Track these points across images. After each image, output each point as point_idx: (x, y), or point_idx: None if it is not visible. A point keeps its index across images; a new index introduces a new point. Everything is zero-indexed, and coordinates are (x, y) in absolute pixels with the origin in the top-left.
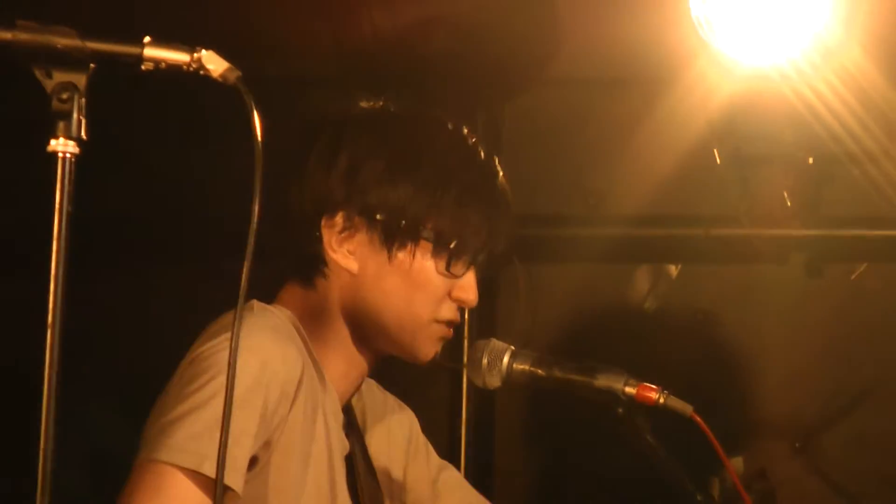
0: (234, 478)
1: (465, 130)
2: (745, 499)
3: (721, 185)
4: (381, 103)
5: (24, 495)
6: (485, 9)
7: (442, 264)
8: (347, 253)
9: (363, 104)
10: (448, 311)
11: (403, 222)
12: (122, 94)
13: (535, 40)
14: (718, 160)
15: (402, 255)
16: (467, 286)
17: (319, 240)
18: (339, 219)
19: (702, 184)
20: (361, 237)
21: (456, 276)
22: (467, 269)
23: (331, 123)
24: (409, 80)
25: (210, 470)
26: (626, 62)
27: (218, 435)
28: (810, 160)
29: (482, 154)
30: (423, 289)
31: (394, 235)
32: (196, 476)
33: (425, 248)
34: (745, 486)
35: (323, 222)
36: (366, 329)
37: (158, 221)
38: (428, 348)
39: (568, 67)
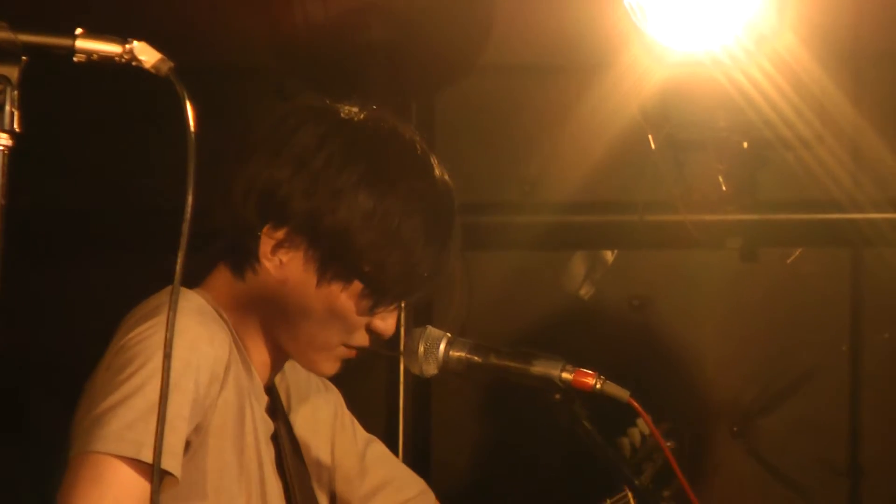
0: (173, 462)
1: (433, 159)
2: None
3: (656, 171)
4: (362, 115)
5: None
6: None
7: (367, 305)
8: (280, 263)
9: (344, 113)
10: (360, 339)
11: (342, 258)
12: (60, 86)
13: (468, 28)
14: (653, 146)
15: (330, 288)
16: (388, 321)
17: (257, 240)
18: (281, 233)
19: (636, 170)
20: (297, 255)
21: (378, 315)
22: (392, 311)
23: (311, 125)
24: (343, 68)
25: (148, 456)
26: (560, 49)
27: (152, 421)
28: (745, 145)
29: (446, 185)
30: (341, 320)
31: (328, 269)
32: (135, 464)
33: (355, 288)
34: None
35: (266, 229)
36: (278, 332)
37: (93, 213)
38: (329, 367)
39: (501, 54)
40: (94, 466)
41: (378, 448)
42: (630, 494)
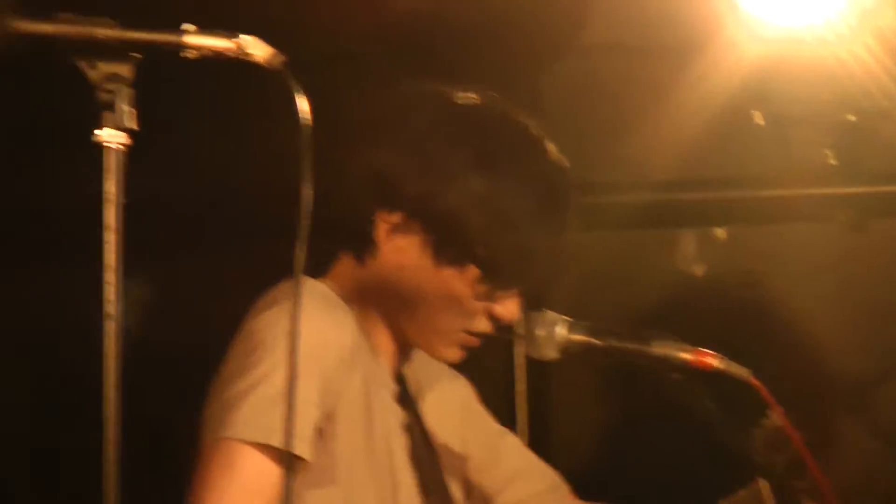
0: (304, 447)
1: (547, 141)
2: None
3: (762, 147)
4: (476, 99)
5: None
6: None
7: (484, 290)
8: (397, 247)
9: (455, 98)
10: (481, 325)
11: (456, 242)
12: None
13: (569, 8)
14: (759, 122)
15: (446, 272)
16: (509, 307)
17: (373, 226)
18: (396, 218)
19: (742, 146)
20: (413, 239)
21: (498, 300)
22: (513, 296)
23: (422, 110)
24: (447, 52)
25: (279, 441)
26: (661, 27)
27: (281, 407)
28: (852, 117)
29: (560, 167)
30: (459, 305)
31: (443, 253)
32: (266, 449)
33: (471, 272)
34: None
35: (381, 214)
36: (400, 318)
37: (206, 206)
38: (451, 353)
39: (602, 34)
40: (225, 453)
41: (510, 439)
42: (763, 485)
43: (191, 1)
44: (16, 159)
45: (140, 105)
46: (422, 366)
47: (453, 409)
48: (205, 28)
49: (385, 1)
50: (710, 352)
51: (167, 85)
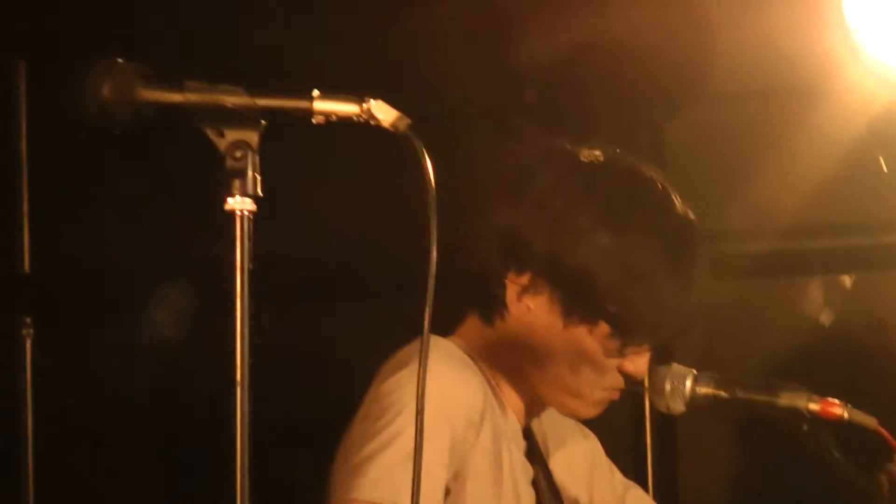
0: None
1: (674, 195)
2: None
3: (888, 192)
4: (601, 155)
5: None
6: (639, 30)
7: (615, 346)
8: (526, 308)
9: (581, 154)
10: (614, 381)
11: (586, 299)
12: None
13: (692, 56)
14: (885, 168)
15: (576, 330)
16: (638, 363)
17: (504, 287)
18: (525, 278)
19: (869, 191)
20: (542, 298)
21: (628, 356)
22: (642, 351)
23: (548, 167)
24: (570, 104)
25: (407, 503)
26: (783, 72)
27: (410, 468)
28: None
29: (687, 220)
30: (590, 363)
31: (573, 311)
32: None
33: (602, 329)
34: None
35: (510, 274)
36: (531, 377)
37: (337, 263)
38: (586, 411)
39: (725, 81)
40: None
41: (637, 493)
42: None
43: (313, 62)
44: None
45: (272, 167)
46: (550, 421)
47: (581, 464)
48: (329, 91)
49: (505, 53)
50: (837, 401)
51: (294, 147)
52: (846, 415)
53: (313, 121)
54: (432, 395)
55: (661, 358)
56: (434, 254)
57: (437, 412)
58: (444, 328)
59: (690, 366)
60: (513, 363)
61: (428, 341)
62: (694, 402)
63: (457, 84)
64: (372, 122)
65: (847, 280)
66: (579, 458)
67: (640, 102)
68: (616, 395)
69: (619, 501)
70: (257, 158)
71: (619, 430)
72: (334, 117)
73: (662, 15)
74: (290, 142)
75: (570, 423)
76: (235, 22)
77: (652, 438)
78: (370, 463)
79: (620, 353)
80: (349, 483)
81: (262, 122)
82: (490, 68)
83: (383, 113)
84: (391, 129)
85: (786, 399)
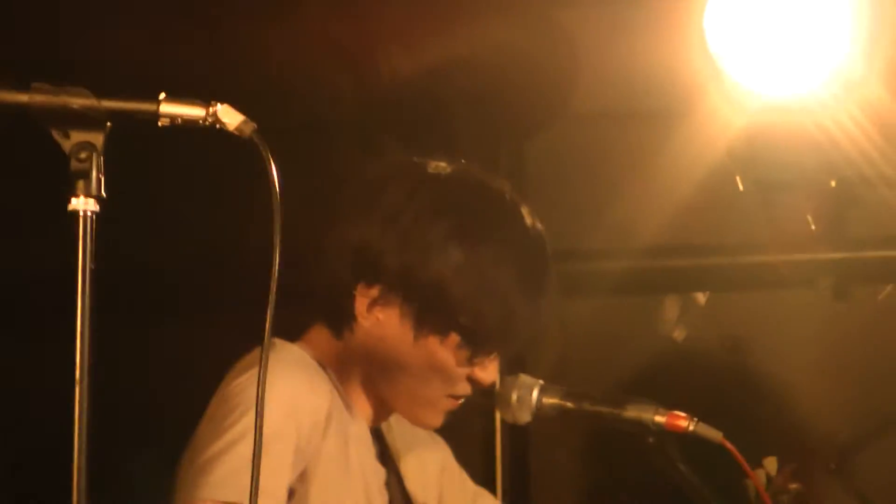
0: None
1: (524, 208)
2: None
3: (744, 213)
4: (449, 169)
5: None
6: (503, 50)
7: (465, 356)
8: (376, 320)
9: (431, 168)
10: (462, 389)
11: (438, 311)
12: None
13: (554, 77)
14: (741, 188)
15: (427, 341)
16: (488, 370)
17: (352, 299)
18: (376, 291)
19: (725, 212)
20: (393, 311)
21: (478, 364)
22: (492, 359)
23: (399, 182)
24: (430, 120)
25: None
26: (645, 95)
27: (258, 467)
28: (833, 183)
29: (537, 233)
30: (441, 373)
31: (424, 323)
32: None
33: (453, 340)
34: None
35: (359, 287)
36: (380, 387)
37: (184, 273)
38: (434, 420)
39: (587, 102)
40: None
41: (488, 500)
42: None
43: (165, 69)
44: None
45: (113, 172)
46: (399, 426)
47: (431, 469)
48: (178, 97)
49: (366, 67)
50: (684, 414)
51: (140, 152)
52: (692, 427)
53: (159, 123)
54: (279, 398)
55: (511, 370)
56: (277, 258)
57: (283, 414)
58: (294, 335)
59: (546, 380)
60: (361, 372)
61: (269, 346)
62: (540, 413)
63: (318, 98)
64: (218, 126)
65: (701, 298)
66: (429, 464)
67: (502, 122)
68: (458, 404)
69: None
70: (102, 160)
71: (470, 438)
72: (180, 120)
73: (526, 35)
74: (144, 149)
75: (421, 430)
76: (86, 24)
77: (503, 448)
78: (216, 462)
79: (470, 363)
80: (196, 482)
81: (108, 124)
82: (352, 83)
83: (229, 117)
84: (237, 134)
85: (632, 412)
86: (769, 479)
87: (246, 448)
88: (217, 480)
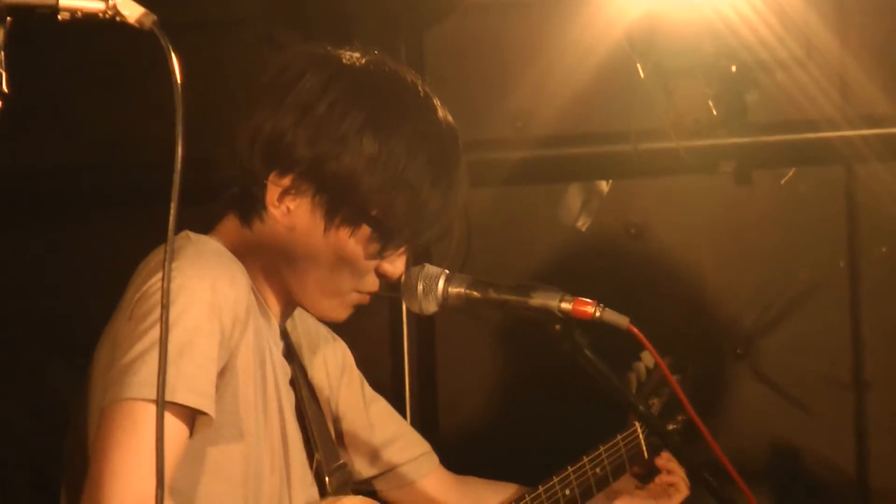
0: (206, 402)
1: (436, 100)
2: (684, 402)
3: (645, 100)
4: (363, 60)
5: None
6: None
7: (375, 249)
8: (287, 210)
9: (345, 59)
10: (370, 284)
11: (349, 203)
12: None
13: None
14: (642, 75)
15: (338, 233)
16: (396, 264)
17: (263, 188)
18: (287, 180)
19: (626, 100)
20: (304, 201)
21: (387, 258)
22: (401, 253)
23: (313, 72)
24: (330, 12)
25: (182, 398)
26: None
27: (182, 365)
28: (733, 68)
29: (449, 126)
30: (350, 266)
31: (336, 215)
32: (170, 406)
33: (363, 232)
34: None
35: (271, 176)
36: (288, 279)
37: (90, 170)
38: (340, 313)
39: None
40: (129, 413)
41: (384, 406)
42: (639, 429)
43: None
44: None
45: (15, 68)
46: (303, 326)
47: (333, 369)
48: None
49: None
50: (590, 301)
51: (42, 47)
52: (598, 313)
53: (59, 17)
54: (201, 290)
55: (416, 260)
56: (179, 150)
57: (205, 308)
58: (204, 229)
59: (451, 271)
60: (270, 264)
61: (173, 239)
62: (446, 303)
63: None
64: (118, 19)
65: (604, 186)
66: (331, 363)
67: (400, 13)
68: (367, 300)
69: (365, 411)
70: (3, 55)
71: (378, 335)
72: (80, 14)
73: None
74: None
75: (323, 330)
76: None
77: (409, 343)
78: (141, 361)
79: (380, 256)
80: (121, 382)
81: (8, 19)
82: None
83: (129, 9)
84: (137, 26)
85: (538, 299)
86: (648, 371)
87: (170, 345)
88: (144, 379)
